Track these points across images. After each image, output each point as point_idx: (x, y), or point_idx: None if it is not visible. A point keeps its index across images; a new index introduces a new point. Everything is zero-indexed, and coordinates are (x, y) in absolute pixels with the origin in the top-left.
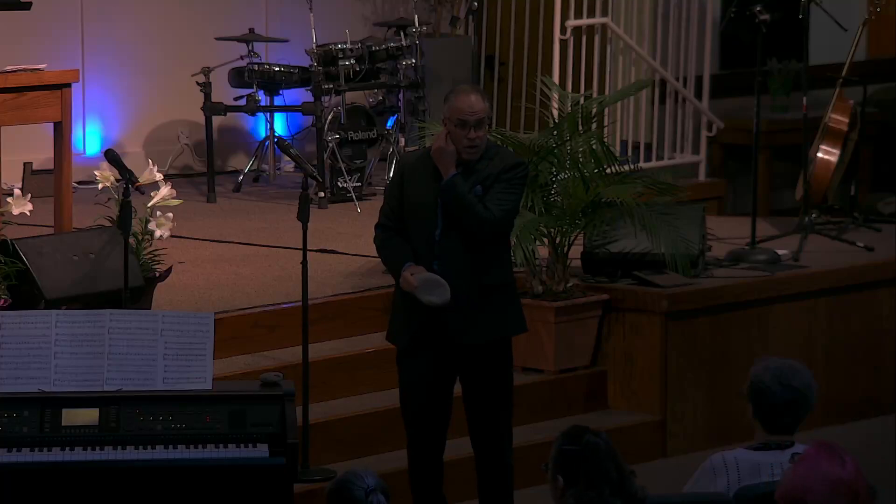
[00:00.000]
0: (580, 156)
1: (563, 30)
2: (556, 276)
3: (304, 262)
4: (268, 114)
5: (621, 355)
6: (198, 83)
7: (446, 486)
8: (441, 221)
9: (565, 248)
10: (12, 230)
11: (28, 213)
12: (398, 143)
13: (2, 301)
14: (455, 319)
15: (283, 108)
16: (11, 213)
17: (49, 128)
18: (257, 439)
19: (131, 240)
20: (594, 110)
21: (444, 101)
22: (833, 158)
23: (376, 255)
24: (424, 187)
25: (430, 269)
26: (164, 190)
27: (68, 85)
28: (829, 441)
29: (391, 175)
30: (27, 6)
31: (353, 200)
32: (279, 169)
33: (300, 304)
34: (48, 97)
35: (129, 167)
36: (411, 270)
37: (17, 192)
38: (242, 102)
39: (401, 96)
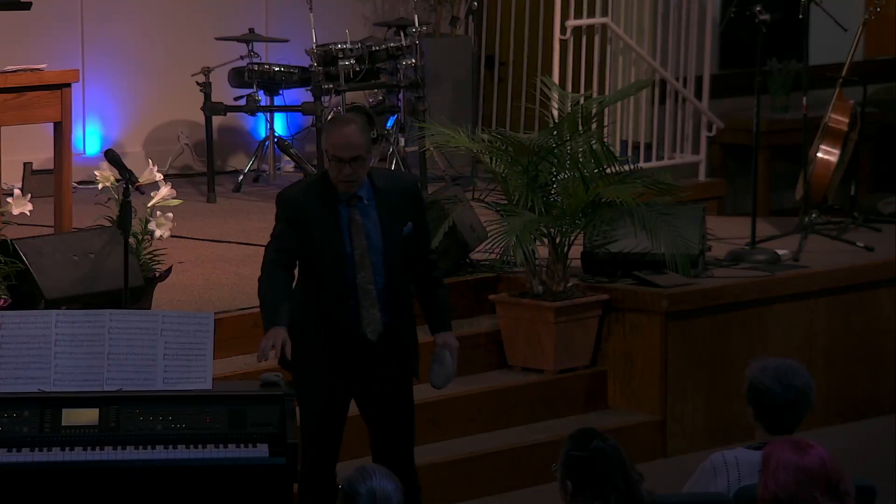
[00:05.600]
0: (580, 156)
1: (563, 30)
2: (556, 276)
3: None
4: (268, 114)
5: (621, 355)
6: (198, 83)
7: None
8: (354, 261)
9: (565, 248)
10: (12, 230)
11: (28, 213)
12: (398, 143)
13: (2, 301)
14: (381, 356)
15: (283, 108)
16: (11, 213)
17: (49, 128)
18: (257, 439)
19: (131, 240)
20: (594, 110)
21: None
22: (833, 158)
23: None
24: (327, 226)
25: (348, 308)
26: (164, 190)
27: (68, 85)
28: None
29: (278, 213)
30: (27, 6)
31: None
32: (279, 169)
33: None
34: (48, 97)
35: (129, 167)
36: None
37: (17, 192)
38: (242, 102)
39: (401, 96)
